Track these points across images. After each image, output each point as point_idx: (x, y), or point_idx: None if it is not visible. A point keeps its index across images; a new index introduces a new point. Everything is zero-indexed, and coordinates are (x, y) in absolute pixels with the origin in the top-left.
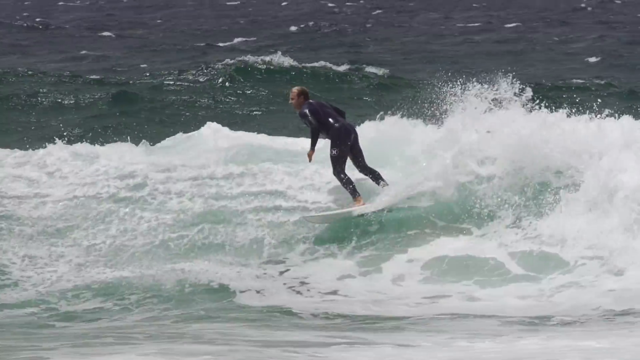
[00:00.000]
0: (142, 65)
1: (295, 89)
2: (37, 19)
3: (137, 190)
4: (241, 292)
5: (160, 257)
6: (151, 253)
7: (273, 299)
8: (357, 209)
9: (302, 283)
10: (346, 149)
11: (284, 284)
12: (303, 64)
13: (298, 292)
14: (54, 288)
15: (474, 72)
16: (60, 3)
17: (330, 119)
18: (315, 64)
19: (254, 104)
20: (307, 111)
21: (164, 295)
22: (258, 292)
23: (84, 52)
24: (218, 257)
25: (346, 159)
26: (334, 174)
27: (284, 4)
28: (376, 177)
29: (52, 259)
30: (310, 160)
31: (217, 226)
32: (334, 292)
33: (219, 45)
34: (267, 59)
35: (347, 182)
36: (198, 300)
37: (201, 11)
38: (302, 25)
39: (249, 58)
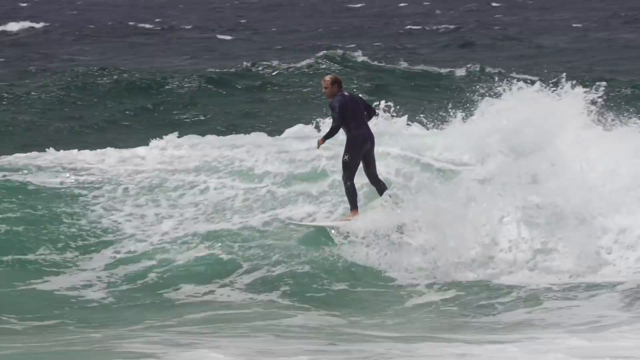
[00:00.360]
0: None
1: (328, 77)
2: (158, 20)
3: None
4: None
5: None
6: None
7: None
8: (343, 223)
9: None
10: (359, 157)
11: None
12: None
13: None
14: None
15: None
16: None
17: (352, 123)
18: None
19: None
20: (337, 105)
21: None
22: None
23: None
24: None
25: (357, 167)
26: (342, 178)
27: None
28: (382, 189)
29: None
30: (318, 147)
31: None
32: None
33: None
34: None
35: (350, 191)
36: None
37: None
38: None
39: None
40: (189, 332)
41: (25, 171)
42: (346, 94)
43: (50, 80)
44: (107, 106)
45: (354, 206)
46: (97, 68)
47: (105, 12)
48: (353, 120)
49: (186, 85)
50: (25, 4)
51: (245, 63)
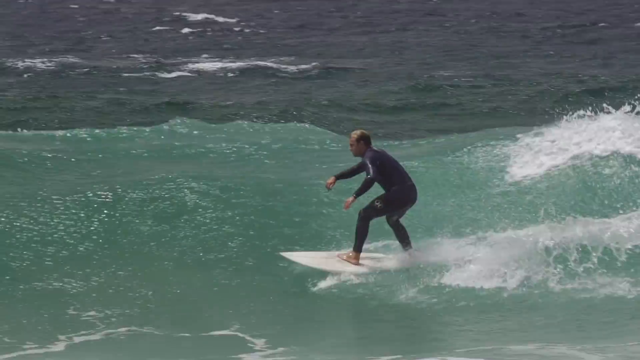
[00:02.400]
0: None
1: (354, 134)
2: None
3: None
4: None
5: None
6: None
7: None
8: (351, 268)
9: None
10: (392, 212)
11: None
12: None
13: None
14: None
15: None
16: None
17: (395, 176)
18: None
19: None
20: (367, 161)
21: None
22: None
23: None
24: None
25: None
26: (359, 213)
27: None
28: (403, 236)
29: None
30: (347, 207)
31: None
32: None
33: None
34: None
35: (363, 232)
36: None
37: None
38: None
39: None
40: None
41: None
42: (376, 149)
43: None
44: None
45: (359, 248)
46: None
47: None
48: (395, 172)
49: None
50: None
51: None
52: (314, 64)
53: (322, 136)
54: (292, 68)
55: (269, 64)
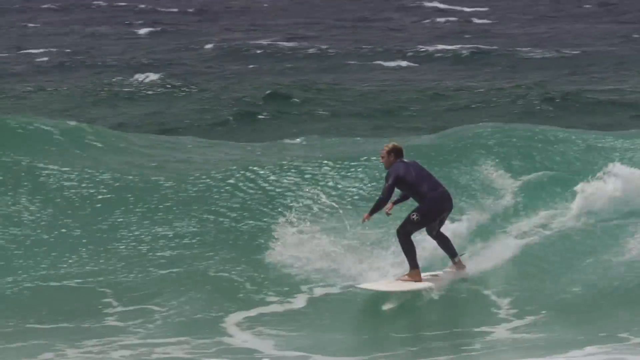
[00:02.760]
0: None
1: (386, 146)
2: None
3: None
4: None
5: None
6: None
7: None
8: (419, 285)
9: None
10: (431, 221)
11: None
12: None
13: None
14: None
15: None
16: None
17: (425, 186)
18: None
19: None
20: (392, 174)
21: None
22: None
23: None
24: None
25: (422, 228)
26: (397, 232)
27: None
28: (449, 247)
29: None
30: (362, 222)
31: None
32: None
33: None
34: None
35: (409, 247)
36: None
37: None
38: None
39: None
40: None
41: None
42: (406, 160)
43: None
44: None
45: (414, 264)
46: None
47: None
48: (424, 183)
49: None
50: None
51: None
52: None
53: None
54: None
55: None
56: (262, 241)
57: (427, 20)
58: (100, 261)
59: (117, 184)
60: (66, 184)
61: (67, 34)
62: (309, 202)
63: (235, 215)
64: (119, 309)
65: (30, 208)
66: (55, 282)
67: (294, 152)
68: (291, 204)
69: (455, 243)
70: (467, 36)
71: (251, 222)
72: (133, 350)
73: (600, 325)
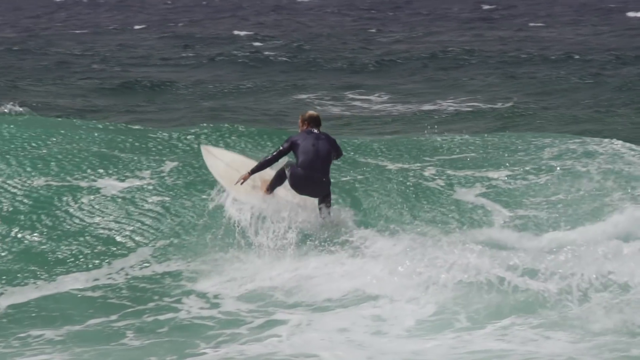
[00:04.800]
0: None
1: (302, 115)
2: None
3: None
4: None
5: None
6: None
7: None
8: (264, 196)
9: None
10: (297, 192)
11: None
12: None
13: None
14: None
15: None
16: None
17: (302, 158)
18: None
19: None
20: (287, 139)
21: None
22: None
23: None
24: None
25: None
26: (279, 171)
27: None
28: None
29: None
30: (239, 182)
31: None
32: None
33: None
34: None
35: (280, 177)
36: None
37: None
38: None
39: None
40: None
41: None
42: (316, 131)
43: None
44: None
45: (271, 188)
46: None
47: None
48: (303, 156)
49: None
50: None
51: None
52: None
53: None
54: None
55: None
56: None
57: None
58: None
59: None
60: None
61: None
62: None
63: None
64: None
65: None
66: None
67: None
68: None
69: None
70: None
71: None
72: None
73: None
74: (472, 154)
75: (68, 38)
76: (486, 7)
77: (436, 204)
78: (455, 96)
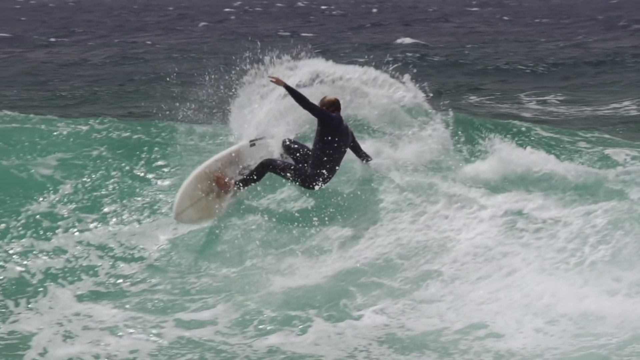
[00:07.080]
0: None
1: (328, 99)
2: None
3: None
4: None
5: None
6: None
7: None
8: (229, 193)
9: None
10: (299, 184)
11: None
12: None
13: None
14: None
15: None
16: None
17: (327, 152)
18: None
19: None
20: (327, 112)
21: None
22: None
23: None
24: None
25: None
26: (269, 162)
27: None
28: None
29: None
30: (272, 78)
31: None
32: None
33: None
34: None
35: (258, 174)
36: None
37: None
38: None
39: None
40: None
41: None
42: (343, 121)
43: None
44: None
45: (245, 184)
46: None
47: None
48: (329, 149)
49: None
50: None
51: None
52: None
53: None
54: None
55: None
56: None
57: None
58: None
59: None
60: None
61: None
62: None
63: None
64: None
65: None
66: None
67: None
68: None
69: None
70: None
71: None
72: None
73: None
74: None
75: None
76: None
77: None
78: None
